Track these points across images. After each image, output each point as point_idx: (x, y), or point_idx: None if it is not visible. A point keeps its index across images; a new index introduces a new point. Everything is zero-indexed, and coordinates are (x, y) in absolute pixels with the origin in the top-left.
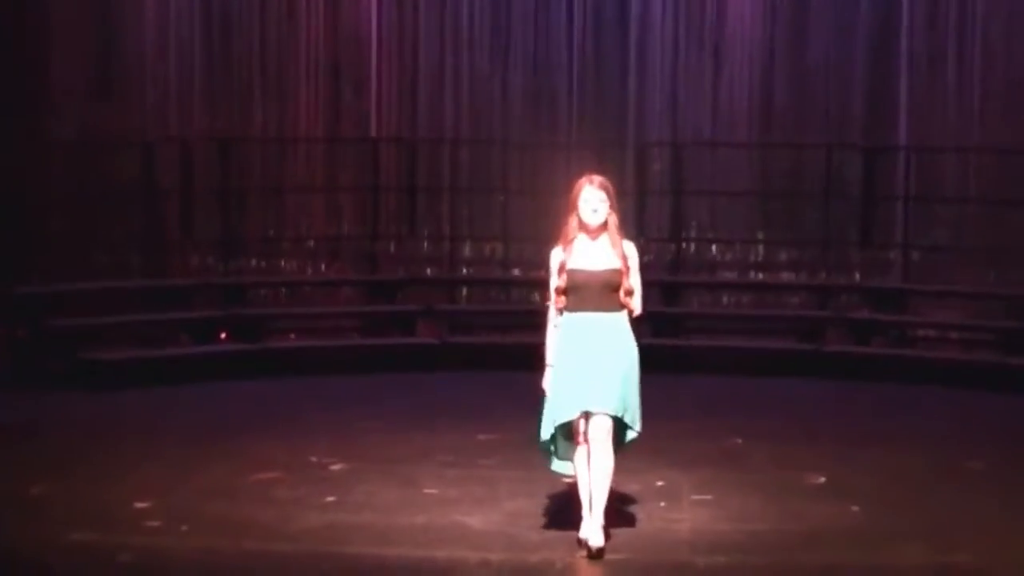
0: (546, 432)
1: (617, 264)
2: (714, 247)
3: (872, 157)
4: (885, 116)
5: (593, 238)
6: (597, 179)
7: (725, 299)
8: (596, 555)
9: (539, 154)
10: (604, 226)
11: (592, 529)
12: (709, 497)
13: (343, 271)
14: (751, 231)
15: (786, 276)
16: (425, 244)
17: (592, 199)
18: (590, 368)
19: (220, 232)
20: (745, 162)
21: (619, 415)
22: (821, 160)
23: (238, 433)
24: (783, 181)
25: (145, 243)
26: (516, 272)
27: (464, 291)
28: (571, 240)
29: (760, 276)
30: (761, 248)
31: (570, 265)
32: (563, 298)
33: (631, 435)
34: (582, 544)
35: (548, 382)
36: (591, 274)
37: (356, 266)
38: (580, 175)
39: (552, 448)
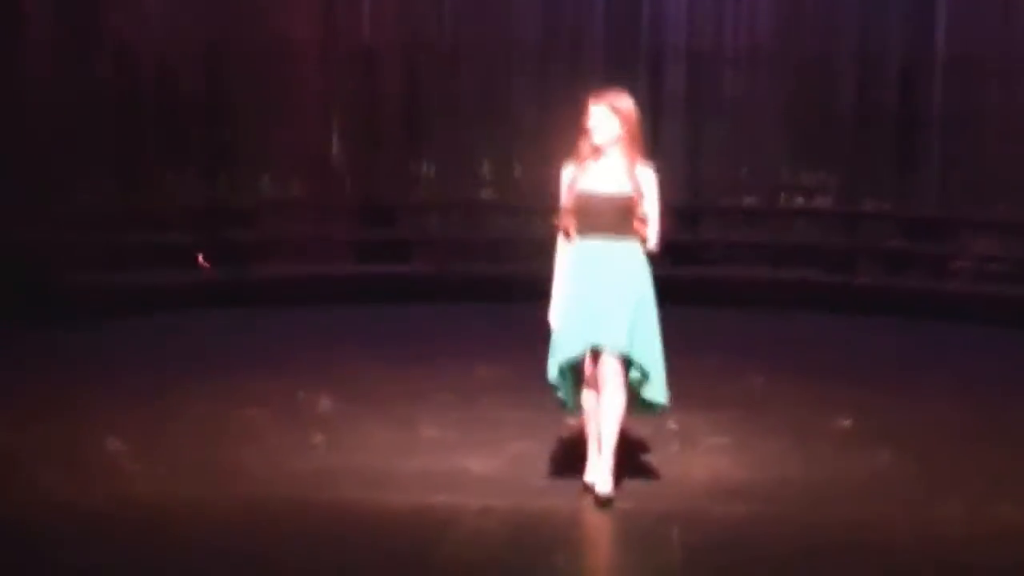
0: (553, 370)
1: (629, 189)
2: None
3: (908, 73)
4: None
5: (607, 157)
6: (605, 95)
7: (746, 224)
8: (604, 502)
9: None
10: (617, 144)
11: (600, 474)
12: (727, 441)
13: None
14: (776, 153)
15: (814, 201)
16: (425, 165)
17: (594, 116)
18: (598, 299)
19: (202, 150)
20: (768, 78)
21: (627, 352)
22: (853, 77)
23: (218, 367)
24: (812, 97)
25: (119, 160)
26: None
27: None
28: (583, 159)
29: (785, 201)
30: (786, 171)
31: (579, 186)
32: (573, 219)
33: (653, 394)
34: (588, 489)
35: (554, 314)
36: (601, 196)
37: (348, 188)
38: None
39: (562, 387)
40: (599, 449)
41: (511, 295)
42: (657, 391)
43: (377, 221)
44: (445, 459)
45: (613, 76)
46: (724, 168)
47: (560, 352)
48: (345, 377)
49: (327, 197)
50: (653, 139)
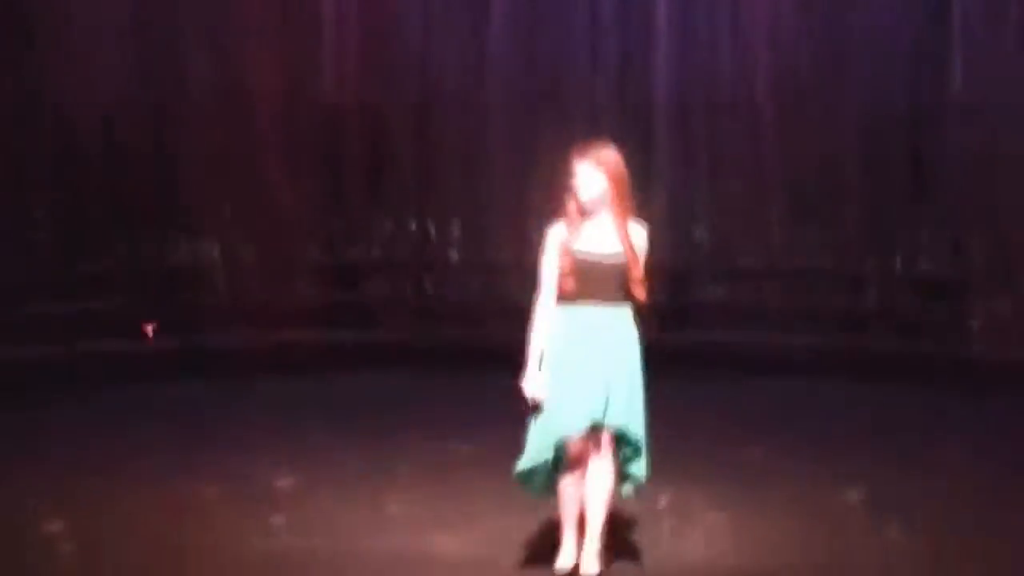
0: (543, 450)
1: (623, 248)
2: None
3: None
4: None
5: (598, 216)
6: (589, 151)
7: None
8: None
9: (524, 117)
10: (605, 204)
11: (586, 555)
12: (724, 518)
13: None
14: (774, 206)
15: (818, 261)
16: (392, 224)
17: (579, 174)
18: (596, 374)
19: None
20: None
21: (624, 428)
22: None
23: (169, 443)
24: (815, 151)
25: (61, 220)
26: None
27: (435, 277)
28: (573, 219)
29: (786, 262)
30: (786, 228)
31: (576, 246)
32: (569, 280)
33: (637, 470)
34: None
35: (536, 386)
36: (600, 259)
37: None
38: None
39: (539, 469)
40: (576, 532)
41: (487, 362)
42: (642, 466)
43: (341, 284)
44: (414, 539)
45: (599, 131)
46: (719, 226)
47: (556, 428)
48: (306, 452)
49: (287, 259)
50: (643, 196)
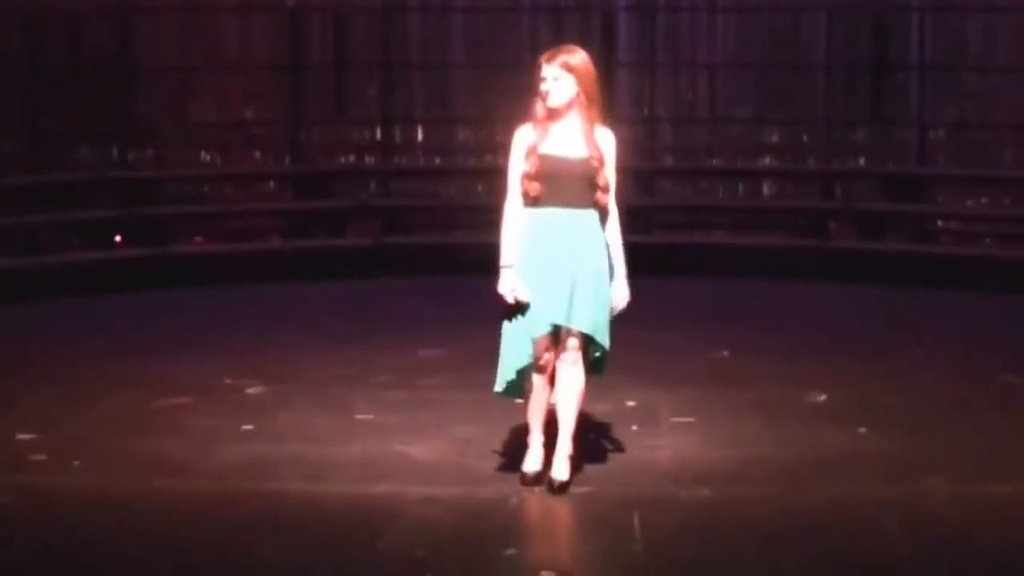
0: (520, 355)
1: (592, 152)
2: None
3: (882, 19)
4: None
5: (565, 120)
6: (551, 53)
7: (708, 187)
8: (559, 488)
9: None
10: (572, 106)
11: (557, 459)
12: (692, 420)
13: (259, 162)
14: (739, 108)
15: (781, 161)
16: (357, 131)
17: (547, 77)
18: (562, 275)
19: (115, 119)
20: (731, 27)
21: (592, 333)
22: (821, 24)
23: (139, 352)
24: (777, 49)
25: (27, 131)
26: (462, 161)
27: (400, 184)
28: (541, 121)
29: (750, 162)
30: (752, 128)
31: (543, 149)
32: (535, 185)
33: (598, 354)
34: (526, 480)
35: (510, 287)
36: (567, 162)
37: (274, 156)
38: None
39: (516, 373)
40: (545, 437)
41: (454, 267)
42: (599, 367)
43: (307, 192)
44: (385, 445)
45: (564, 30)
46: (684, 127)
47: (527, 330)
48: (276, 360)
49: (252, 167)
50: (607, 98)
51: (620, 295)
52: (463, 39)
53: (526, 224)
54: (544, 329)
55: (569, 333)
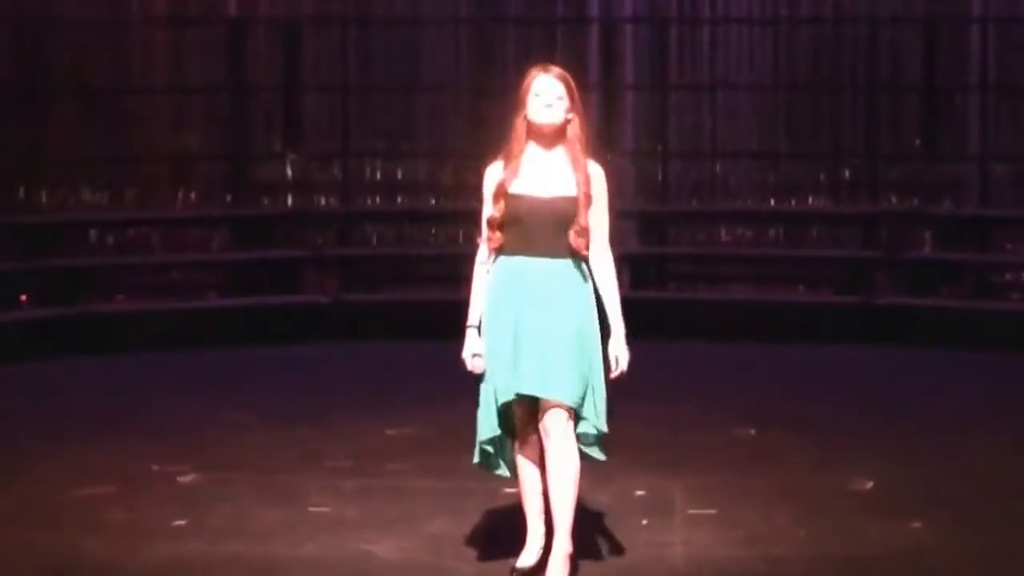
0: (487, 426)
1: (573, 190)
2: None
3: (935, 32)
4: None
5: (547, 151)
6: (554, 69)
7: (730, 234)
8: None
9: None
10: (562, 134)
11: (553, 561)
12: (711, 511)
13: (193, 203)
14: (767, 139)
15: (816, 202)
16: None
17: (546, 93)
18: (532, 336)
19: (19, 151)
20: (755, 44)
21: (575, 405)
22: (863, 38)
23: (49, 432)
24: (812, 69)
25: None
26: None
27: (366, 230)
28: (517, 155)
29: (780, 203)
30: (778, 163)
31: (512, 188)
32: (498, 234)
33: (590, 437)
34: (516, 574)
35: (473, 352)
36: (538, 202)
37: (211, 196)
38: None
39: (493, 447)
40: (541, 526)
41: (427, 329)
42: (598, 448)
43: (251, 239)
44: (343, 542)
45: (557, 47)
46: (701, 162)
47: (490, 400)
48: (213, 441)
49: (184, 209)
50: (606, 127)
51: (618, 358)
52: (436, 58)
53: (492, 278)
54: (506, 398)
55: (548, 404)
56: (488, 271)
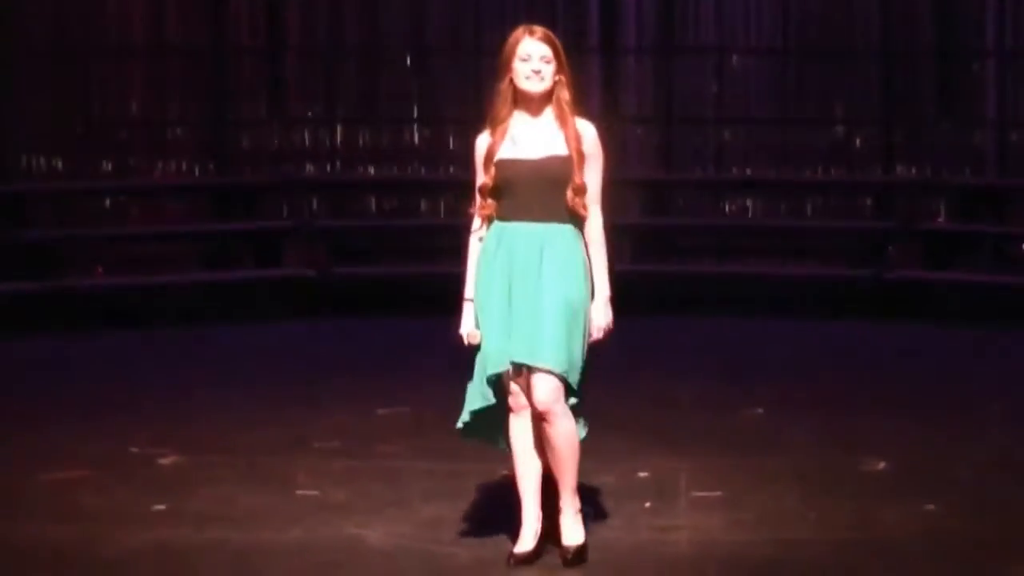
0: (475, 397)
1: (564, 150)
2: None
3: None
4: None
5: (534, 114)
6: (539, 30)
7: (738, 204)
8: (576, 557)
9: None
10: (549, 96)
11: (566, 521)
12: (718, 494)
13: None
14: (776, 105)
15: (828, 171)
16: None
17: (532, 56)
18: (525, 304)
19: None
20: (766, 5)
21: (564, 373)
22: (875, 4)
23: (22, 412)
24: (822, 33)
25: None
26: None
27: (356, 201)
28: (502, 120)
29: (790, 172)
30: (787, 131)
31: (500, 154)
32: (490, 202)
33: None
34: (514, 560)
35: (469, 324)
36: (525, 164)
37: (193, 165)
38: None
39: (482, 421)
40: (537, 509)
41: (420, 304)
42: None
43: (234, 210)
44: (332, 527)
45: (556, 10)
46: (707, 129)
47: (482, 370)
48: (195, 422)
49: (164, 178)
50: (605, 91)
51: (596, 319)
52: (432, 21)
53: (483, 247)
54: (498, 368)
55: (538, 371)
56: (480, 239)
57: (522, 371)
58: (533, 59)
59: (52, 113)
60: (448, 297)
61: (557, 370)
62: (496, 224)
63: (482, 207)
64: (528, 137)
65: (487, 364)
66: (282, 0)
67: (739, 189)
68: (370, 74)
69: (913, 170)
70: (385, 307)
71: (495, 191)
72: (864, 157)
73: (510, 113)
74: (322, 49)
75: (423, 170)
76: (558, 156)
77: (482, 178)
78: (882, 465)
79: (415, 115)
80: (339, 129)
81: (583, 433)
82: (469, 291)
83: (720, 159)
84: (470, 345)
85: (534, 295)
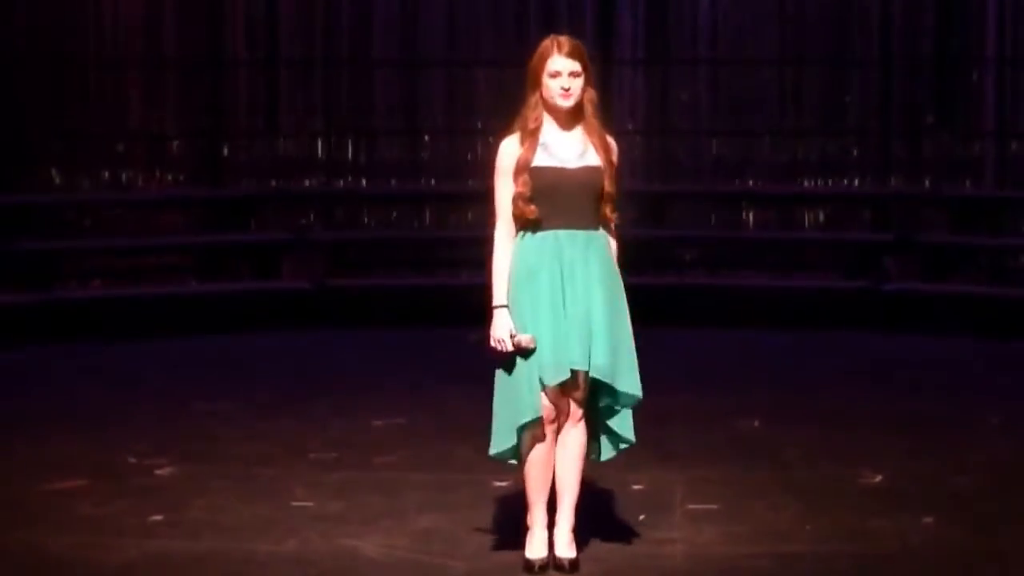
0: (523, 409)
1: (596, 160)
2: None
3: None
4: None
5: (564, 123)
6: (567, 43)
7: (734, 215)
8: (570, 569)
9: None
10: (579, 107)
11: (561, 534)
12: (714, 507)
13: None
14: (773, 115)
15: (825, 182)
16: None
17: (563, 72)
18: (574, 308)
19: None
20: (763, 14)
21: (614, 383)
22: (875, 8)
23: (20, 423)
24: (821, 41)
25: None
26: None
27: (352, 213)
28: (532, 132)
29: (787, 183)
30: (784, 142)
31: (537, 161)
32: (531, 207)
33: (619, 427)
34: (531, 568)
35: (506, 331)
36: (564, 173)
37: (189, 177)
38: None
39: (516, 434)
40: (546, 516)
41: (416, 316)
42: (627, 424)
43: (230, 222)
44: (328, 538)
45: (554, 19)
46: (703, 140)
47: (532, 383)
48: (192, 433)
49: (160, 190)
50: (601, 102)
51: None
52: (428, 32)
53: (521, 254)
54: (560, 377)
55: (576, 383)
56: (507, 247)
57: (577, 380)
58: (563, 75)
59: (49, 124)
60: (445, 309)
61: (604, 379)
62: (533, 233)
63: (518, 212)
64: (562, 146)
65: (545, 375)
66: (278, 13)
67: (736, 200)
68: (366, 86)
69: (911, 181)
70: (381, 319)
71: (534, 197)
72: (862, 168)
73: (540, 124)
74: (318, 61)
75: (420, 182)
76: (591, 166)
77: (510, 185)
78: (879, 478)
79: (411, 127)
80: (335, 141)
81: (629, 435)
82: (501, 297)
83: (716, 170)
84: (516, 348)
85: (584, 302)
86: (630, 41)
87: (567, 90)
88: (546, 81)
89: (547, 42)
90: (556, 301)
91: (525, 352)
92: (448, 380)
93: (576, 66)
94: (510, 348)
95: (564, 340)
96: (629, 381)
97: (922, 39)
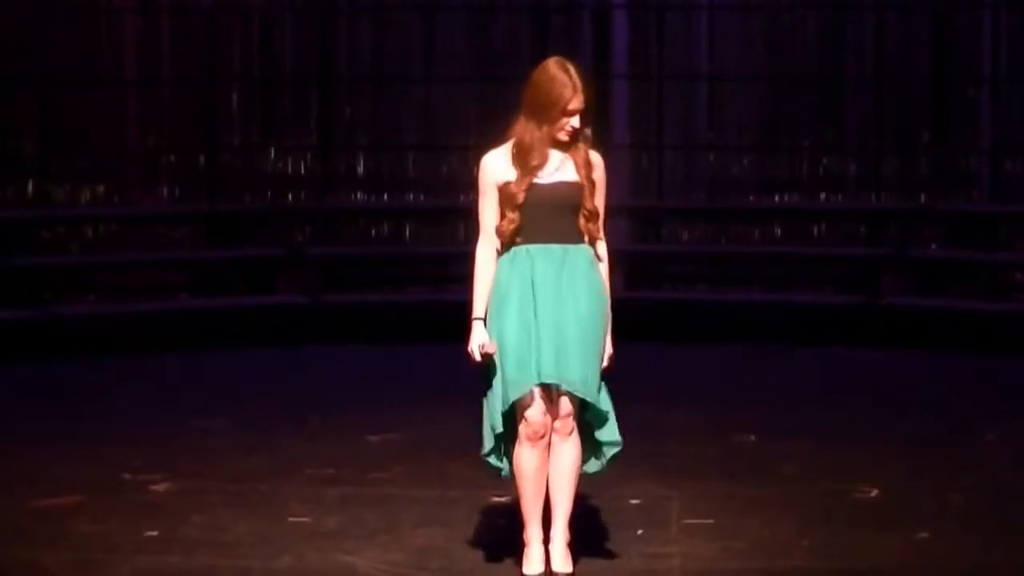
0: (497, 418)
1: (573, 176)
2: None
3: (946, 20)
4: None
5: (540, 148)
6: (579, 82)
7: (729, 231)
8: None
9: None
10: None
11: (555, 549)
12: (710, 521)
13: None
14: (769, 131)
15: (821, 198)
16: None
17: (576, 113)
18: (549, 323)
19: None
20: (758, 31)
21: (591, 395)
22: (870, 27)
23: (14, 439)
24: (816, 59)
25: None
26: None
27: (347, 228)
28: (535, 166)
29: (782, 199)
30: (779, 158)
31: (507, 177)
32: (513, 220)
33: (605, 436)
34: None
35: (477, 342)
36: (549, 188)
37: (184, 192)
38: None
39: (496, 444)
40: (541, 531)
41: (410, 331)
42: (612, 431)
43: (225, 237)
44: (324, 554)
45: (550, 34)
46: (699, 156)
47: (506, 391)
48: (187, 449)
49: (155, 206)
50: (597, 117)
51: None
52: (424, 49)
53: (499, 269)
54: (521, 393)
55: (560, 395)
56: (487, 260)
57: (551, 392)
58: (576, 117)
59: (46, 140)
60: (439, 324)
61: (577, 392)
62: (512, 247)
63: (500, 227)
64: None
65: (509, 390)
66: (274, 29)
67: (731, 216)
68: (361, 102)
69: (907, 197)
70: (376, 334)
71: (512, 212)
72: (857, 184)
73: (544, 161)
74: (313, 78)
75: (415, 198)
76: (566, 181)
77: (491, 201)
78: (875, 493)
79: (407, 143)
80: (331, 157)
81: (616, 440)
82: (479, 310)
83: (712, 186)
84: (482, 359)
85: (557, 315)
86: (625, 56)
87: (575, 128)
88: (559, 118)
89: (561, 76)
90: (526, 317)
91: (495, 364)
92: (444, 396)
93: (580, 86)
94: (478, 359)
95: (528, 356)
96: (597, 393)
97: (918, 56)
